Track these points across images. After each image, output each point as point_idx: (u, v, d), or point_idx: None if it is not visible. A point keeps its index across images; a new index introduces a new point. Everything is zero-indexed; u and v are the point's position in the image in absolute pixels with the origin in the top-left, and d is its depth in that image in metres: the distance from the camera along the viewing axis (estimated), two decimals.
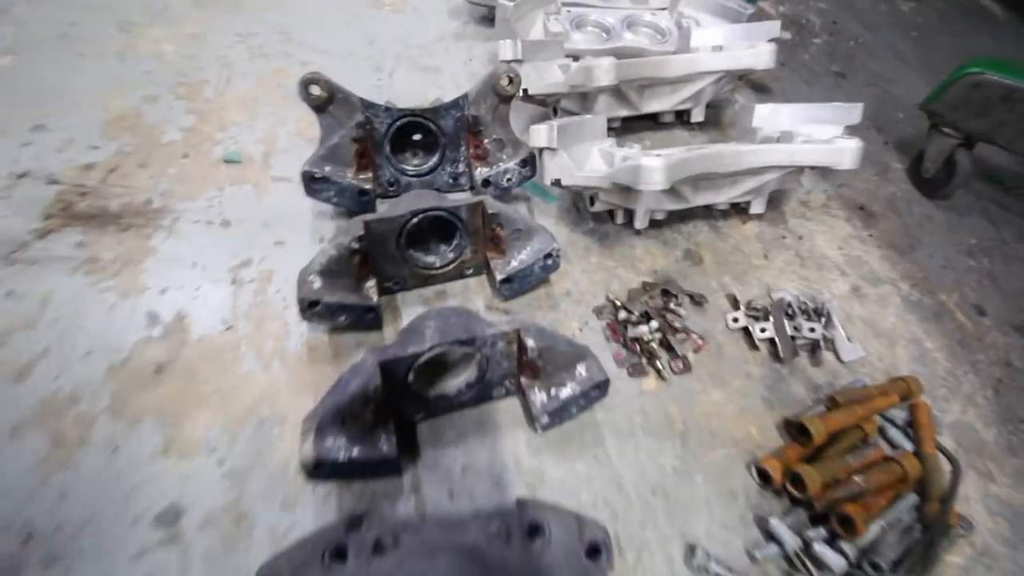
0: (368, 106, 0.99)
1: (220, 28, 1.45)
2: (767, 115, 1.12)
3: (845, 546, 0.77)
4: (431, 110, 1.03)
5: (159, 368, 0.84)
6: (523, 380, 0.83)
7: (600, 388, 0.82)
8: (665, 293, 1.03)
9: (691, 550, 0.78)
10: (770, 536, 0.79)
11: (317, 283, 0.84)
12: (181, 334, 0.88)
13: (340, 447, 0.71)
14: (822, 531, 0.79)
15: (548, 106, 1.24)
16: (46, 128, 1.14)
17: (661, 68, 1.16)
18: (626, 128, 1.33)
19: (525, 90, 1.09)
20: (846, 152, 0.97)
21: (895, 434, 0.89)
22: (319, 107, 0.96)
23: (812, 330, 0.99)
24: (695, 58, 1.20)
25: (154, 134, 1.17)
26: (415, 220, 0.89)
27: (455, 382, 0.82)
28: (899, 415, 0.92)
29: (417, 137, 1.09)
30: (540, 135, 0.95)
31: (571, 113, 1.19)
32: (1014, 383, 1.01)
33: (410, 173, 1.08)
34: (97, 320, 0.88)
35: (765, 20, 1.25)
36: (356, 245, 0.83)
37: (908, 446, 0.89)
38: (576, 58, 1.13)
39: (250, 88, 1.29)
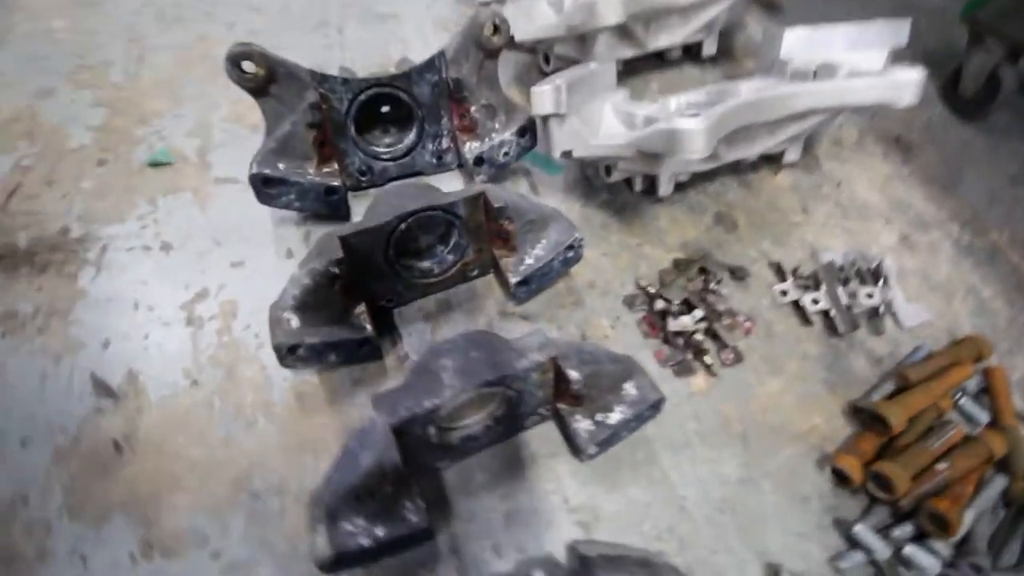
0: (321, 79, 0.78)
1: None
2: (799, 42, 0.94)
3: (937, 545, 0.70)
4: (401, 76, 0.82)
5: (117, 446, 0.68)
6: (561, 407, 0.70)
7: (654, 407, 0.69)
8: (702, 271, 0.89)
9: (772, 572, 0.69)
10: (853, 542, 0.71)
11: (294, 321, 0.67)
12: (137, 398, 0.72)
13: (360, 530, 0.58)
14: (908, 529, 0.71)
15: (537, 54, 1.03)
16: None
17: None
18: (627, 70, 1.13)
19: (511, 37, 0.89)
20: (907, 87, 0.81)
21: (970, 407, 0.80)
22: (257, 89, 0.75)
23: (870, 295, 0.87)
24: None
25: (57, 138, 0.94)
26: (402, 225, 0.72)
27: (480, 418, 0.69)
28: (969, 382, 0.83)
29: (387, 110, 0.88)
30: (545, 100, 0.76)
31: (567, 61, 0.99)
32: None
33: (384, 157, 0.89)
34: (29, 394, 0.71)
35: None
36: (335, 269, 0.66)
37: (984, 418, 0.80)
38: None
39: (168, 65, 1.05)
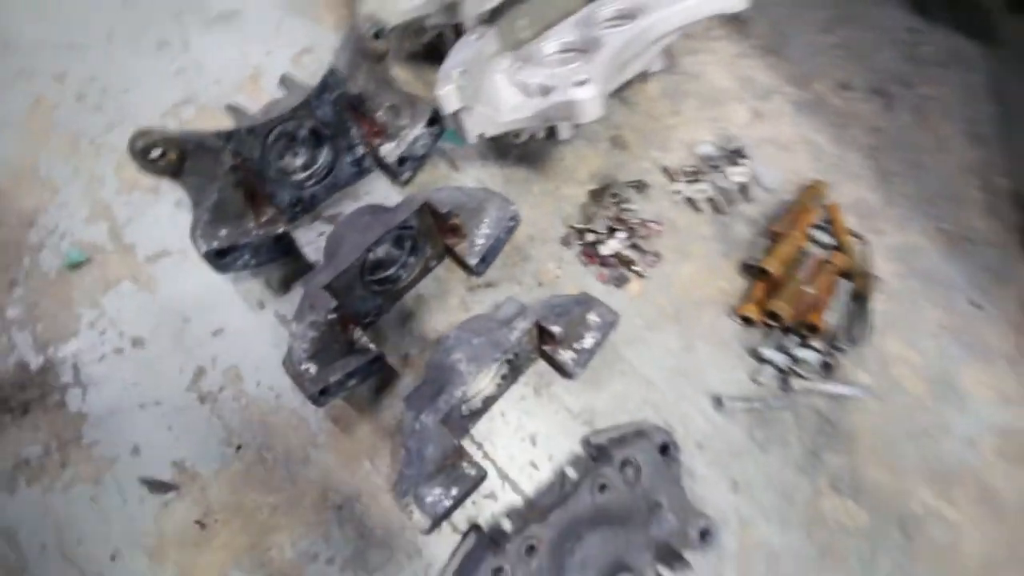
0: (228, 138, 0.78)
1: None
2: None
3: (815, 343, 1.00)
4: (300, 106, 0.83)
5: (201, 524, 0.78)
6: (545, 348, 0.88)
7: (613, 324, 0.89)
8: (613, 196, 1.05)
9: (717, 401, 0.97)
10: (763, 360, 1.00)
11: (312, 369, 0.77)
12: (195, 481, 0.80)
13: (442, 496, 0.75)
14: (795, 339, 1.02)
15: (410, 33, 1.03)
16: None
17: None
18: (495, 14, 1.16)
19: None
20: None
21: (820, 237, 1.09)
22: (173, 172, 0.74)
23: (737, 174, 1.09)
24: None
25: None
26: (369, 254, 0.80)
27: (492, 383, 0.85)
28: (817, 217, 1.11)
29: (294, 136, 0.89)
30: (450, 99, 0.83)
31: (442, 31, 1.01)
32: (883, 143, 1.22)
33: (309, 184, 0.92)
34: (89, 520, 0.77)
35: None
36: (334, 315, 0.75)
37: (830, 242, 1.09)
38: None
39: (17, 148, 0.93)
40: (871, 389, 1.03)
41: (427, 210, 0.83)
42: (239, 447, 0.82)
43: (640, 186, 1.08)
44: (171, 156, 0.72)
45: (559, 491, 0.84)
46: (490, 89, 0.89)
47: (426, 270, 0.94)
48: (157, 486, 0.78)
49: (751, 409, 0.97)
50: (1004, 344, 1.13)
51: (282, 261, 0.88)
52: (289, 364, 0.76)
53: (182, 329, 0.86)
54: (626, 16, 0.99)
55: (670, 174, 1.10)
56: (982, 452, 1.06)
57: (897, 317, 1.10)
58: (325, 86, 0.83)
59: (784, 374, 1.00)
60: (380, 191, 0.99)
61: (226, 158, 0.77)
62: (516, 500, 0.86)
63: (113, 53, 1.03)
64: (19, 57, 1.01)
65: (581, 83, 0.81)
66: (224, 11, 1.09)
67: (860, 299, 1.05)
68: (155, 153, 0.71)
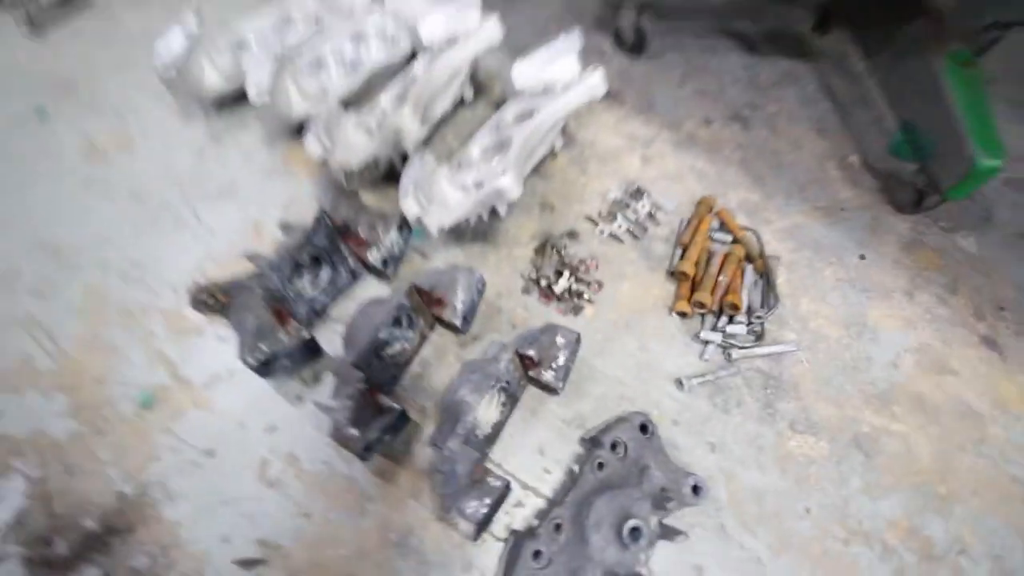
0: (259, 278, 1.04)
1: None
2: (522, 72, 1.39)
3: (739, 318, 1.26)
4: (302, 242, 1.11)
5: None
6: (530, 373, 1.11)
7: (577, 341, 1.13)
8: (553, 247, 1.33)
9: (678, 383, 1.20)
10: (705, 342, 1.25)
11: (356, 431, 0.98)
12: (277, 552, 0.97)
13: (479, 505, 0.94)
14: (724, 319, 1.27)
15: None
16: None
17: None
18: (428, 139, 1.49)
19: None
20: (597, 84, 1.29)
21: (719, 236, 1.38)
22: (222, 311, 0.99)
23: (643, 206, 1.40)
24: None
25: (43, 441, 1.05)
26: (380, 334, 1.04)
27: (497, 410, 1.07)
28: (713, 223, 1.40)
29: (300, 264, 1.16)
30: (411, 207, 1.12)
31: (392, 161, 1.33)
32: (749, 155, 1.55)
33: (319, 299, 1.17)
34: None
35: None
36: (363, 385, 0.97)
37: (728, 238, 1.38)
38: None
39: (81, 326, 1.17)
40: (798, 343, 1.28)
41: (414, 291, 1.08)
42: (307, 515, 1.00)
43: (572, 234, 1.37)
44: (221, 298, 0.97)
45: (570, 482, 1.03)
46: (439, 193, 1.18)
47: (423, 338, 1.17)
48: (249, 563, 0.95)
49: (706, 383, 1.21)
50: (895, 280, 1.41)
51: (311, 360, 1.11)
52: (336, 433, 0.97)
53: (242, 433, 1.07)
54: (525, 115, 1.32)
55: (592, 220, 1.40)
56: (904, 370, 1.30)
57: (802, 282, 1.37)
58: (318, 222, 1.11)
59: (724, 348, 1.24)
60: (372, 289, 1.24)
61: (257, 292, 1.03)
62: (540, 503, 1.05)
63: (140, 238, 1.30)
64: (67, 257, 1.26)
65: (502, 173, 1.11)
66: (220, 185, 1.39)
67: (764, 275, 1.33)
68: (210, 300, 0.96)
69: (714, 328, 1.25)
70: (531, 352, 1.04)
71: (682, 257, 1.31)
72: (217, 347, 1.10)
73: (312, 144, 1.18)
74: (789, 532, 1.08)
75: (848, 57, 1.78)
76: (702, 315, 1.28)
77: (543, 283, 1.27)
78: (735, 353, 1.24)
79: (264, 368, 1.03)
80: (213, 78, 1.39)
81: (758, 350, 1.25)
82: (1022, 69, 1.79)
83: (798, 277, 1.38)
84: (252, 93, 1.36)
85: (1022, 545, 1.11)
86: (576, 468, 1.06)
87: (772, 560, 1.05)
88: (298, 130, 1.36)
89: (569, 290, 1.27)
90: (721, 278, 1.29)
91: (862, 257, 1.45)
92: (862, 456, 1.19)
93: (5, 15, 1.62)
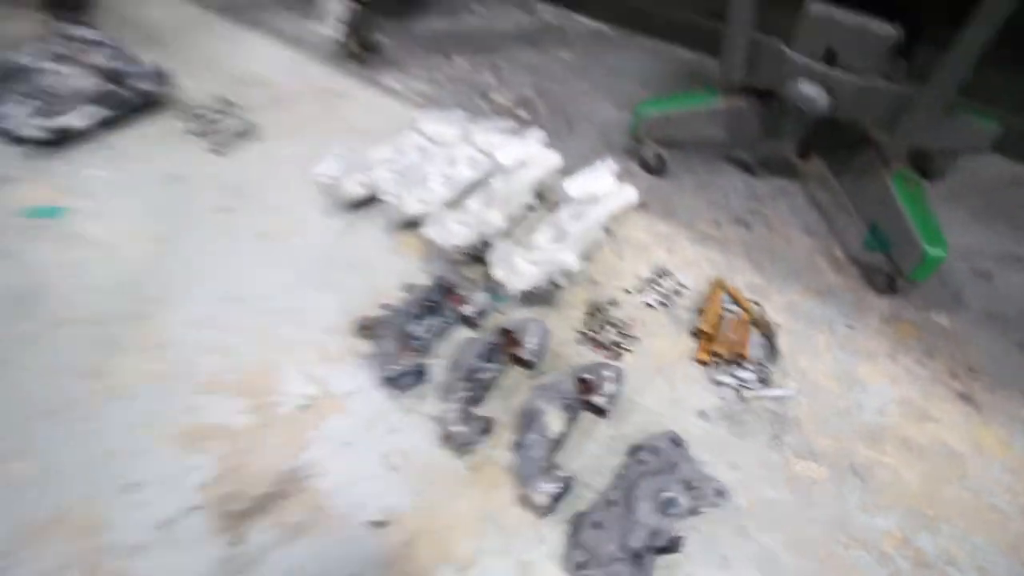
0: (391, 317, 1.48)
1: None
2: (572, 186, 1.91)
3: (749, 367, 1.60)
4: (422, 298, 1.56)
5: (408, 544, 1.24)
6: (584, 397, 1.46)
7: (621, 374, 1.49)
8: (600, 311, 1.75)
9: (702, 414, 1.52)
10: (721, 384, 1.58)
11: (462, 428, 1.33)
12: (405, 523, 1.28)
13: (551, 486, 1.25)
14: (735, 366, 1.61)
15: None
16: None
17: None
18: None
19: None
20: (631, 194, 1.80)
21: (731, 306, 1.77)
22: (371, 337, 1.42)
23: (669, 283, 1.82)
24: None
25: (226, 430, 1.43)
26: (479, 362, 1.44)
27: (559, 420, 1.41)
28: (725, 298, 1.80)
29: (419, 313, 1.60)
30: (498, 275, 1.57)
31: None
32: (752, 250, 1.99)
33: (426, 338, 1.59)
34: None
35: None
36: (464, 396, 1.35)
37: (738, 308, 1.77)
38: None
39: (259, 355, 1.60)
40: (798, 390, 1.60)
41: (501, 331, 1.49)
42: (385, 523, 1.31)
43: (613, 302, 1.78)
44: (371, 328, 1.40)
45: (617, 478, 1.33)
46: (517, 266, 1.64)
47: (501, 371, 1.55)
48: (377, 524, 1.25)
49: (724, 416, 1.52)
50: (879, 346, 1.75)
51: (421, 381, 1.49)
52: (442, 434, 1.32)
53: (370, 432, 1.42)
54: (576, 216, 1.82)
55: (629, 291, 1.82)
56: (891, 417, 1.60)
57: (799, 344, 1.73)
58: (436, 283, 1.57)
59: (737, 390, 1.57)
60: (463, 335, 1.66)
61: (391, 327, 1.45)
62: (594, 496, 1.34)
63: (297, 292, 1.77)
64: (246, 305, 1.74)
65: (566, 251, 1.57)
66: (354, 259, 1.88)
67: (767, 336, 1.69)
68: (365, 333, 1.39)
69: (728, 374, 1.60)
70: (588, 376, 1.40)
71: (702, 320, 1.69)
72: (352, 371, 1.50)
73: (428, 232, 1.69)
74: (799, 536, 1.33)
75: (827, 176, 2.28)
76: (717, 363, 1.63)
77: (592, 335, 1.67)
78: (746, 394, 1.56)
79: (396, 382, 1.42)
80: (354, 187, 1.96)
81: (765, 392, 1.58)
82: (979, 186, 2.25)
83: (795, 341, 1.74)
84: (379, 197, 1.91)
85: (1005, 560, 1.32)
86: (623, 469, 1.36)
87: (786, 557, 1.29)
88: (409, 224, 1.89)
89: (612, 342, 1.66)
90: (732, 336, 1.66)
91: (850, 327, 1.81)
92: (858, 480, 1.46)
93: (201, 141, 2.29)
